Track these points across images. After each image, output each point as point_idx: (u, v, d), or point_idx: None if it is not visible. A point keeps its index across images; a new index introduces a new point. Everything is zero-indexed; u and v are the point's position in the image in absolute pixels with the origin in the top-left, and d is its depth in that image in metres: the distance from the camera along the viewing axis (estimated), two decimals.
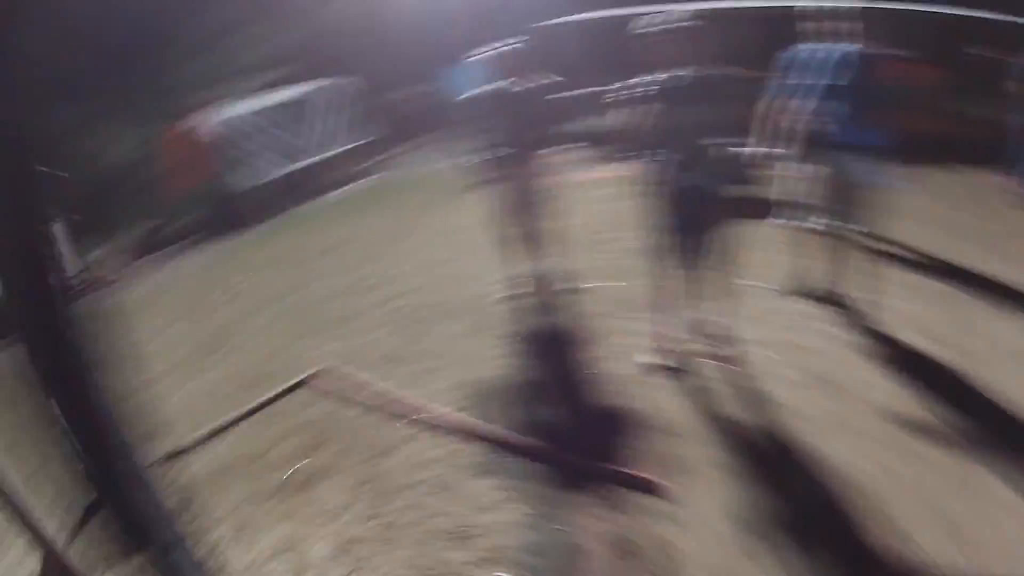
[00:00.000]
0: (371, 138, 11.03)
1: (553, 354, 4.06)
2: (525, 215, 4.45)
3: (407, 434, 3.44)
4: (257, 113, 9.84)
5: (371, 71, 11.76)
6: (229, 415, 3.83)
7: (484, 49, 4.27)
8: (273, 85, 10.98)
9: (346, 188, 10.24)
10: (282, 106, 10.28)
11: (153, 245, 8.75)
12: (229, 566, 2.72)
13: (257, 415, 3.82)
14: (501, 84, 4.18)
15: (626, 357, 3.69)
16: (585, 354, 3.93)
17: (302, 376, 4.15)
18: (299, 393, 4.01)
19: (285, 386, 4.06)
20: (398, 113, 12.36)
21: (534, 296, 4.72)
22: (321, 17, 12.49)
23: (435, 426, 3.44)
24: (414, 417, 3.54)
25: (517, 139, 4.25)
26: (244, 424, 3.76)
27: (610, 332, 4.05)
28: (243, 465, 3.38)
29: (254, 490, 3.18)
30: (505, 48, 4.19)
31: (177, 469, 3.45)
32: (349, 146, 10.86)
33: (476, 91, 4.25)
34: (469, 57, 4.30)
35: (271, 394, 3.99)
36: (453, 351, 4.26)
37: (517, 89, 4.16)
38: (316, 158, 10.36)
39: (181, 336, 5.40)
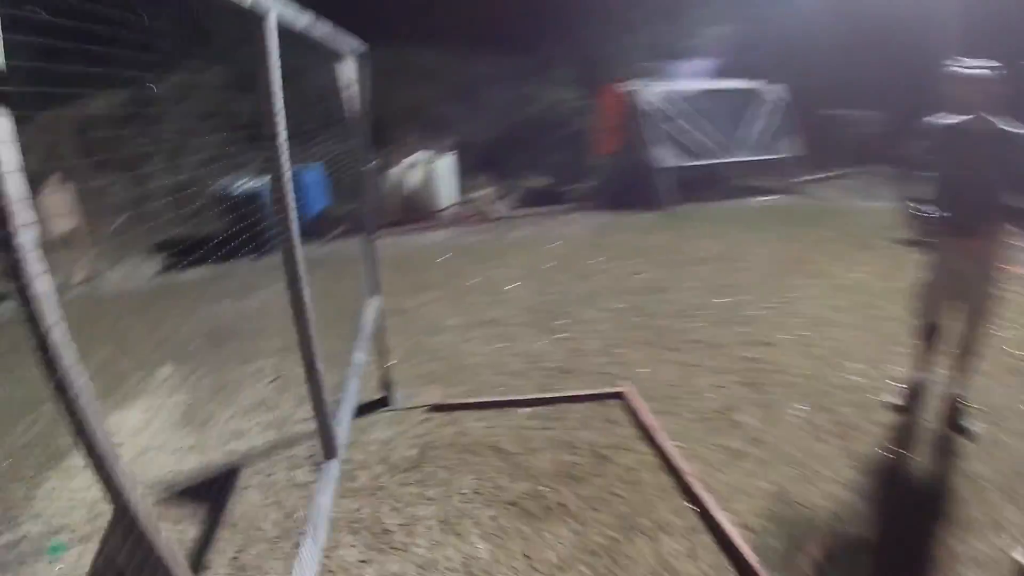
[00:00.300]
0: (794, 154, 9.70)
1: (905, 514, 2.66)
2: (953, 304, 3.18)
3: (672, 520, 2.63)
4: (687, 98, 9.43)
5: (812, 84, 10.28)
6: (511, 395, 3.60)
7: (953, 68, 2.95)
8: (710, 75, 10.51)
9: (749, 200, 9.21)
10: (712, 97, 9.67)
11: (542, 197, 9.31)
12: (406, 550, 2.50)
13: (538, 408, 3.49)
14: (966, 119, 2.91)
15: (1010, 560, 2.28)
16: (950, 534, 2.50)
17: (605, 390, 3.65)
18: (593, 406, 3.51)
19: (582, 392, 3.62)
20: (832, 134, 10.64)
21: (917, 417, 3.34)
22: (771, 19, 11.40)
23: (712, 530, 2.56)
24: (693, 506, 2.71)
25: (975, 198, 2.94)
26: (519, 411, 3.47)
27: (999, 514, 2.59)
28: (489, 454, 3.09)
29: (482, 488, 2.85)
30: (977, 71, 2.85)
31: (433, 423, 3.41)
32: (767, 157, 9.73)
33: (932, 123, 3.05)
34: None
35: (563, 393, 3.61)
36: (784, 442, 3.16)
37: (985, 129, 2.85)
38: (730, 159, 9.55)
39: (519, 295, 5.40)
